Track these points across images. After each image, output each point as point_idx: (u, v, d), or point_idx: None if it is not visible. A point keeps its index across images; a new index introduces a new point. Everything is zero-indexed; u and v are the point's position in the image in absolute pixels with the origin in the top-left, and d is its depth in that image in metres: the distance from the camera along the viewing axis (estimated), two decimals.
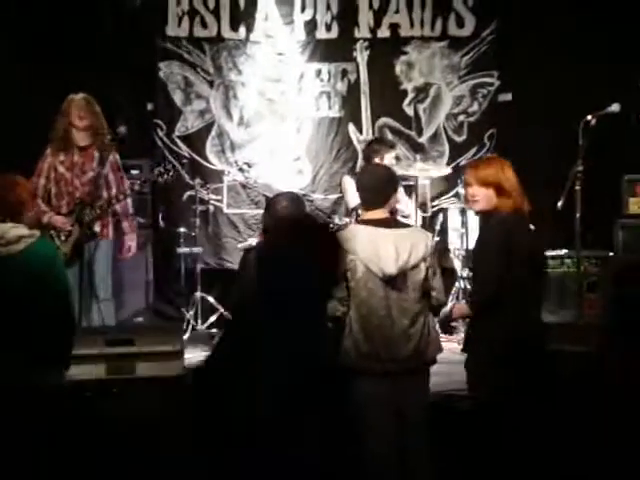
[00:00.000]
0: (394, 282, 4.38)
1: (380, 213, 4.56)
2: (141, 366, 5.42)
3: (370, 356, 4.34)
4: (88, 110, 6.38)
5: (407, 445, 4.39)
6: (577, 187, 6.14)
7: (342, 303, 4.36)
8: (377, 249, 4.37)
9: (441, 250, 7.72)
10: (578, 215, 6.14)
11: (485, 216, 4.60)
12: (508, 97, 8.77)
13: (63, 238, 6.26)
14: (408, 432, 4.40)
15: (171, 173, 6.69)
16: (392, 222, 4.67)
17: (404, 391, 4.40)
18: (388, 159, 7.29)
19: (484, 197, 4.49)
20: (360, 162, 8.62)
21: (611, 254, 7.27)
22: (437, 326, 5.02)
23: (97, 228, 6.40)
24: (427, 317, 4.50)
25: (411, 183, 7.72)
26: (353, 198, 7.36)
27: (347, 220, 7.29)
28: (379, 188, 4.57)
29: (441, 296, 4.58)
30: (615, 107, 6.23)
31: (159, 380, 5.40)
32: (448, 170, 8.44)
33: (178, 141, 8.78)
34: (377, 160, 7.21)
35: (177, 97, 8.82)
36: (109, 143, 6.33)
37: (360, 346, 4.34)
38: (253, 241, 7.83)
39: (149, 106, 8.72)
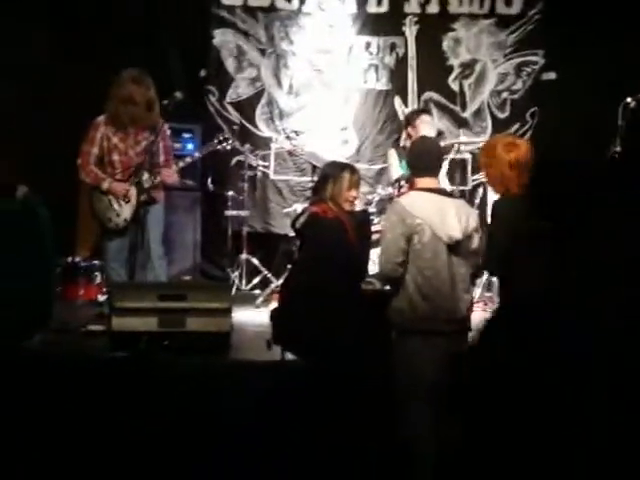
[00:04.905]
0: (455, 248, 4.57)
1: (435, 182, 4.75)
2: (191, 321, 5.68)
3: (427, 316, 4.52)
4: (143, 86, 6.50)
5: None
6: None
7: (401, 265, 4.54)
8: (443, 215, 4.55)
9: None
10: None
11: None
12: (552, 76, 8.91)
13: (123, 203, 6.47)
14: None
15: (230, 141, 7.06)
16: (445, 192, 4.90)
17: (450, 350, 4.50)
18: (423, 124, 7.53)
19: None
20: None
21: None
22: None
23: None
24: (470, 282, 4.76)
25: (454, 156, 7.94)
26: (396, 170, 7.61)
27: (390, 190, 7.52)
28: (433, 158, 4.76)
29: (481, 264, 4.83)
30: None
31: (208, 335, 5.68)
32: None
33: (229, 107, 9.01)
34: (410, 129, 7.49)
35: (229, 64, 9.04)
36: (160, 116, 6.51)
37: (417, 307, 4.52)
38: (298, 207, 8.07)
39: (202, 72, 8.95)
